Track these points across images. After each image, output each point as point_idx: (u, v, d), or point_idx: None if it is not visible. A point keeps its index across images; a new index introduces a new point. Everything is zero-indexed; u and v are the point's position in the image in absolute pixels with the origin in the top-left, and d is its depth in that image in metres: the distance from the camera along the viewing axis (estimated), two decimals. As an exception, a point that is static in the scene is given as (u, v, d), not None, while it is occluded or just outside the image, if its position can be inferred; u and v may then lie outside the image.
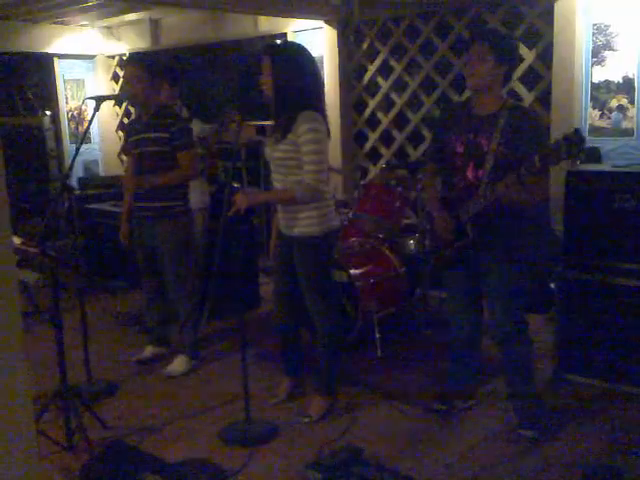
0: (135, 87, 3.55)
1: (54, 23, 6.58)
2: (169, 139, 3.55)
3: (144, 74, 3.54)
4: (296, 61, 2.90)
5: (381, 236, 4.36)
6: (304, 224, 2.98)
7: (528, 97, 4.67)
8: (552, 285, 3.56)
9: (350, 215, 4.46)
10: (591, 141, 4.37)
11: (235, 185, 4.18)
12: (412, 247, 4.47)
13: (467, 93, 5.01)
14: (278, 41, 5.82)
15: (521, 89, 4.69)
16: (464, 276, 2.98)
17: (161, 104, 3.67)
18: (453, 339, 3.16)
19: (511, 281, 2.83)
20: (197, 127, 4.37)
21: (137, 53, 6.79)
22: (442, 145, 2.94)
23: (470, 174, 2.81)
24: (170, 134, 3.55)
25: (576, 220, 3.33)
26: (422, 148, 5.36)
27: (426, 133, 5.37)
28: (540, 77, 4.64)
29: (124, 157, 7.56)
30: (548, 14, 4.49)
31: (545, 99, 4.58)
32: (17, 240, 3.01)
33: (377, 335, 3.86)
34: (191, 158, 3.60)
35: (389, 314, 4.09)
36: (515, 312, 2.87)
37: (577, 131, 2.37)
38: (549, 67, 4.49)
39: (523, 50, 4.61)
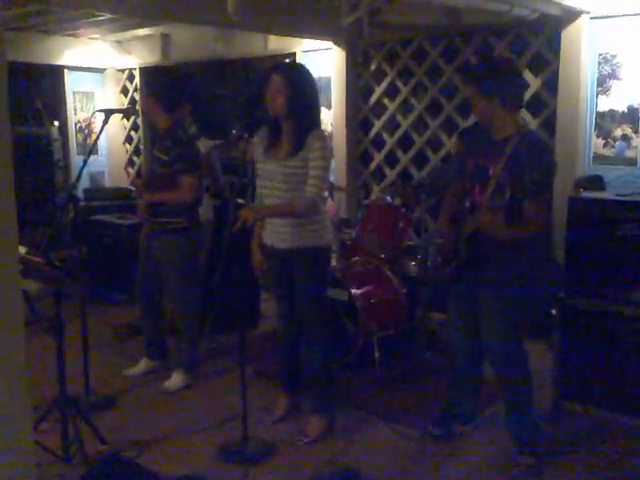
0: (144, 106, 3.69)
1: (66, 35, 6.66)
2: (169, 162, 3.60)
3: (149, 96, 3.71)
4: (308, 81, 3.02)
5: (383, 256, 4.38)
6: (305, 237, 3.03)
7: (533, 123, 4.70)
8: (552, 311, 3.56)
9: (353, 234, 4.48)
10: (595, 169, 4.41)
11: (239, 201, 4.19)
12: (413, 268, 4.48)
13: (473, 117, 5.07)
14: (287, 60, 5.89)
15: (526, 115, 4.73)
16: (465, 298, 2.99)
17: (169, 125, 3.69)
18: (454, 362, 3.16)
19: (503, 307, 2.82)
20: (204, 144, 4.42)
21: (149, 71, 6.86)
22: (460, 166, 3.01)
23: (477, 197, 2.85)
24: (169, 157, 3.59)
25: (578, 247, 3.34)
26: (426, 170, 5.40)
27: (431, 155, 5.40)
28: (545, 104, 4.68)
29: (130, 170, 7.62)
30: (554, 42, 4.55)
31: (550, 126, 4.61)
32: (22, 249, 3.03)
33: (376, 356, 3.86)
34: (188, 183, 3.61)
35: (389, 335, 4.09)
36: (509, 337, 2.86)
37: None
38: (554, 94, 4.54)
39: (529, 77, 4.66)
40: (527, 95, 4.67)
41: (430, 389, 3.72)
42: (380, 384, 3.80)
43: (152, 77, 3.77)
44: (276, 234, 3.09)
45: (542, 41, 4.66)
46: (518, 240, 2.74)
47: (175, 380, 3.78)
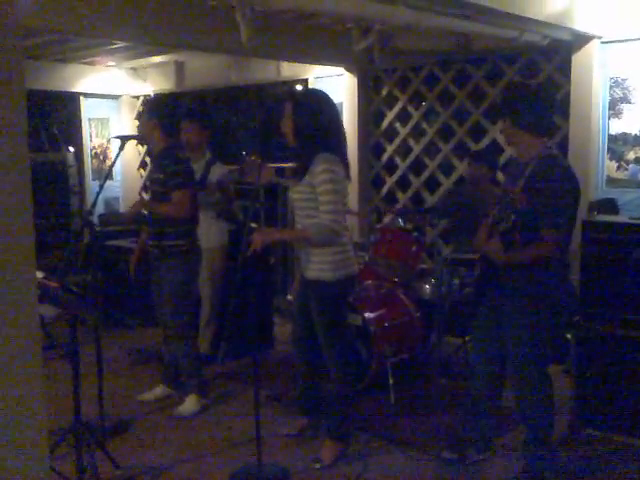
0: (141, 128, 3.73)
1: (82, 63, 6.79)
2: (164, 180, 3.64)
3: (147, 117, 3.74)
4: (316, 106, 2.99)
5: (396, 280, 4.37)
6: (317, 268, 3.01)
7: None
8: (568, 336, 3.53)
9: (366, 258, 4.49)
10: (608, 192, 4.40)
11: (253, 225, 4.23)
12: (427, 292, 4.47)
13: (485, 141, 5.10)
14: (299, 87, 5.96)
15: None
16: (487, 322, 2.98)
17: (165, 147, 3.75)
18: (472, 387, 3.13)
19: (525, 331, 2.80)
20: (218, 170, 4.47)
21: (157, 96, 6.96)
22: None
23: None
24: (165, 175, 3.64)
25: (593, 270, 3.33)
26: (438, 194, 5.41)
27: (443, 179, 5.42)
28: (557, 128, 4.69)
29: (144, 195, 7.69)
30: (565, 66, 4.57)
31: (562, 149, 4.62)
32: (39, 274, 3.06)
33: (390, 380, 3.84)
34: (180, 197, 3.63)
35: (403, 360, 4.07)
36: (532, 362, 2.83)
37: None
38: (566, 118, 4.55)
39: (540, 101, 4.68)
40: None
41: (445, 415, 3.69)
42: (394, 409, 3.78)
43: (152, 103, 3.83)
44: (303, 262, 3.11)
45: (553, 65, 4.69)
46: (533, 262, 2.75)
47: (188, 404, 3.78)
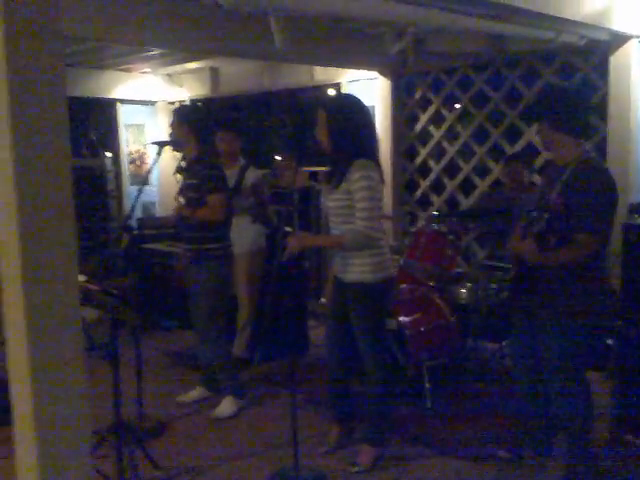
0: (174, 135, 3.82)
1: (119, 70, 6.92)
2: (200, 185, 3.70)
3: (180, 124, 3.78)
4: (350, 113, 3.00)
5: (432, 284, 4.35)
6: (357, 271, 3.02)
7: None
8: (609, 341, 3.47)
9: (400, 262, 4.48)
10: (649, 194, 4.31)
11: (287, 229, 4.26)
12: (463, 296, 4.44)
13: (520, 143, 5.05)
14: (331, 91, 5.98)
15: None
16: (524, 329, 2.96)
17: (199, 153, 3.80)
18: (519, 389, 3.11)
19: (560, 340, 2.77)
20: (253, 174, 4.51)
21: (193, 101, 7.05)
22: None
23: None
24: (200, 180, 3.70)
25: (634, 274, 3.27)
26: (473, 196, 5.37)
27: (477, 181, 5.38)
28: (595, 129, 4.62)
29: (180, 199, 7.79)
30: (603, 67, 4.50)
31: (601, 151, 4.55)
32: (81, 278, 3.13)
33: (427, 385, 3.82)
34: (215, 201, 3.69)
35: (440, 364, 4.05)
36: (569, 371, 2.80)
37: None
38: (604, 119, 4.48)
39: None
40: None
41: (482, 420, 3.66)
42: (431, 414, 3.76)
43: (185, 111, 3.89)
44: (339, 266, 3.12)
45: (590, 66, 4.62)
46: (569, 267, 2.71)
47: (225, 406, 3.82)
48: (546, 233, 2.59)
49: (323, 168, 3.38)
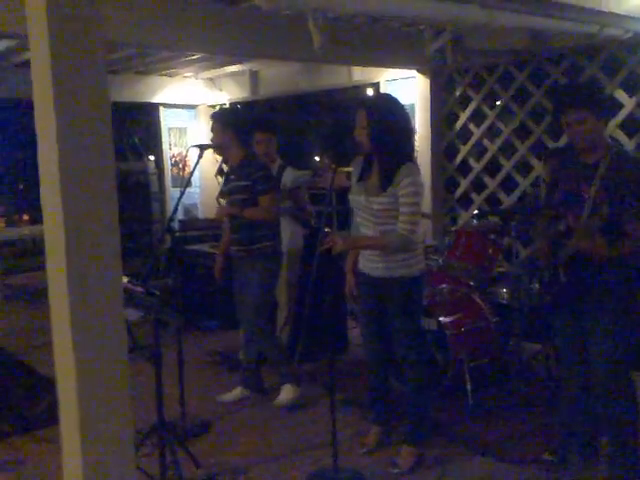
0: (216, 139, 3.87)
1: (161, 75, 7.05)
2: (252, 187, 3.74)
3: (222, 128, 3.83)
4: (390, 113, 3.01)
5: (472, 284, 4.30)
6: (402, 265, 3.03)
7: (629, 145, 4.53)
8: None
9: (440, 261, 4.44)
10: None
11: (326, 229, 4.28)
12: (505, 296, 4.37)
13: (563, 139, 4.94)
14: (370, 91, 5.97)
15: (621, 136, 4.56)
16: (572, 329, 2.90)
17: (244, 156, 3.85)
18: (566, 394, 3.05)
19: (610, 339, 2.72)
20: (290, 175, 4.54)
21: (232, 104, 7.13)
22: (549, 193, 2.97)
23: (572, 222, 2.78)
24: (252, 182, 3.75)
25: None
26: (515, 195, 5.29)
27: (519, 179, 5.29)
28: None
29: (222, 201, 7.89)
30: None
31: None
32: (124, 279, 3.20)
33: (468, 386, 3.78)
34: (268, 201, 3.77)
35: (481, 365, 4.00)
36: (617, 371, 2.74)
37: None
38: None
39: (622, 97, 4.51)
40: (621, 115, 4.54)
41: (524, 421, 3.60)
42: (472, 414, 3.72)
43: (226, 114, 3.95)
44: (370, 262, 3.13)
45: (635, 60, 4.49)
46: (620, 266, 2.67)
47: (284, 395, 3.90)
48: (609, 226, 2.55)
49: (348, 169, 3.38)
